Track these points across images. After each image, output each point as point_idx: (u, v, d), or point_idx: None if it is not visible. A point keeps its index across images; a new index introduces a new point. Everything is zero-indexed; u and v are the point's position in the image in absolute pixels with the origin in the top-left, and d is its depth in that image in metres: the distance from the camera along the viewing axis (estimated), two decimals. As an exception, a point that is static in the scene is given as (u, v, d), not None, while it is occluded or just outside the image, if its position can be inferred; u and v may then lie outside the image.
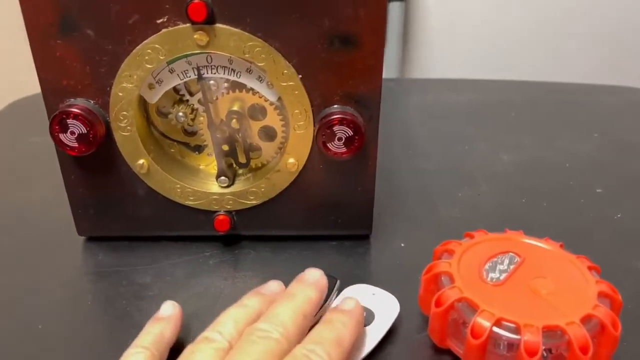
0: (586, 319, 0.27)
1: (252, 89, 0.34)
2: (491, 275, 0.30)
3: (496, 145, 0.51)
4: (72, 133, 0.32)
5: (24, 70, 1.02)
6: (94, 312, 0.33)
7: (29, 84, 1.04)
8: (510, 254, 0.32)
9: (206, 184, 0.37)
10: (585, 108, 0.58)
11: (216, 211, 0.37)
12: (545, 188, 0.45)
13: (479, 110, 0.57)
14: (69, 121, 0.32)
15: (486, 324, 0.27)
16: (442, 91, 0.60)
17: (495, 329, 0.27)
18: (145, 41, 0.31)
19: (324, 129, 0.33)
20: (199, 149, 0.38)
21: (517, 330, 0.27)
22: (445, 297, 0.29)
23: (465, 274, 0.30)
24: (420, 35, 1.00)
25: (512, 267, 0.31)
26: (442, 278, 0.30)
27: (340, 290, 0.33)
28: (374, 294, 0.33)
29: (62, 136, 0.33)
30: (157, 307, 0.31)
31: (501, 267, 0.31)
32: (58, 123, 0.32)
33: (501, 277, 0.30)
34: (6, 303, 0.34)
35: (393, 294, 0.33)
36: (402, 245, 0.38)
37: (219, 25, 0.31)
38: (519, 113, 0.56)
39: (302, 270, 0.32)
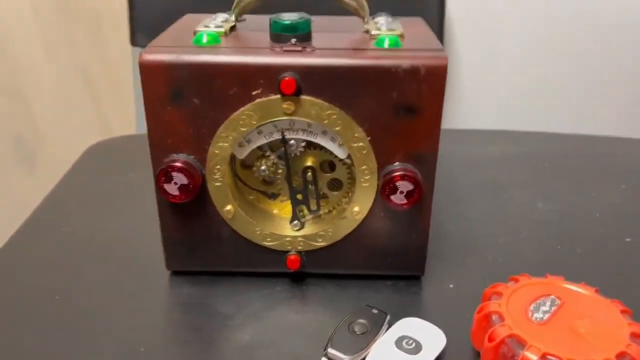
0: (620, 356, 0.31)
1: (326, 148, 0.40)
2: (536, 315, 0.35)
3: (532, 194, 0.55)
4: (175, 183, 0.38)
5: (94, 119, 1.10)
6: (187, 338, 0.38)
7: (101, 130, 1.12)
8: (552, 296, 0.36)
9: (280, 227, 0.42)
10: (614, 160, 0.62)
11: (288, 251, 0.42)
12: (578, 236, 0.49)
13: (514, 160, 0.62)
14: (174, 173, 0.38)
15: (533, 357, 0.31)
16: (479, 142, 0.66)
17: None
18: (242, 109, 0.37)
19: (388, 184, 0.38)
20: (274, 196, 0.43)
21: None
22: (496, 333, 0.33)
23: (513, 314, 0.35)
24: (454, 88, 1.06)
25: (553, 308, 0.35)
26: (493, 317, 0.35)
27: (390, 324, 0.38)
28: (422, 327, 0.38)
29: (166, 186, 0.39)
30: (242, 335, 0.36)
31: (544, 308, 0.35)
32: (164, 175, 0.38)
33: (545, 317, 0.34)
34: (110, 326, 0.39)
35: (442, 329, 0.37)
36: (451, 286, 0.43)
37: (304, 97, 0.37)
38: (552, 164, 0.61)
39: (363, 305, 0.37)
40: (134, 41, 0.89)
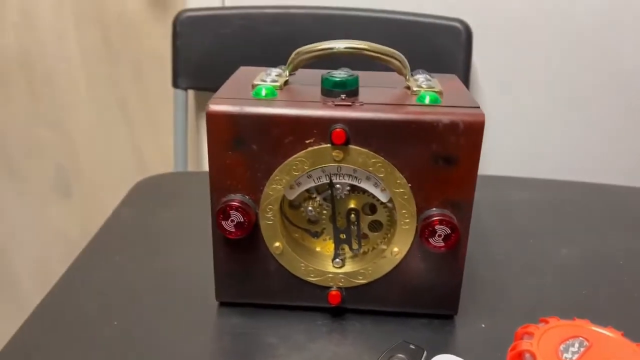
0: None
1: (369, 192, 0.44)
2: (565, 355, 0.37)
3: (556, 240, 0.58)
4: (232, 221, 0.42)
5: (130, 155, 1.16)
6: (236, 365, 0.41)
7: (137, 166, 1.18)
8: (580, 338, 0.39)
9: (323, 264, 0.46)
10: (633, 209, 0.65)
11: (330, 287, 0.45)
12: (602, 281, 0.52)
13: (539, 207, 0.65)
14: (231, 212, 0.42)
15: None
16: (504, 188, 0.69)
17: None
18: (295, 155, 0.41)
19: (427, 227, 0.42)
20: (317, 234, 0.47)
21: None
22: None
23: (544, 353, 0.37)
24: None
25: (582, 349, 0.38)
26: (526, 355, 0.37)
27: (428, 360, 0.41)
28: (458, 364, 0.40)
29: (224, 223, 0.42)
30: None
31: (573, 349, 0.38)
32: (222, 212, 0.42)
33: (574, 358, 0.37)
34: (161, 353, 0.42)
35: (477, 366, 0.40)
36: (483, 325, 0.46)
37: (352, 147, 0.41)
38: (574, 211, 0.64)
39: (397, 341, 0.40)
40: (175, 83, 0.95)
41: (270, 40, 0.90)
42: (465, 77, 0.90)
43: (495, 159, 1.10)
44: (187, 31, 0.94)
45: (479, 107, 0.41)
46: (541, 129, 1.09)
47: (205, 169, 0.54)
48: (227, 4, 0.99)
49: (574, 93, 1.06)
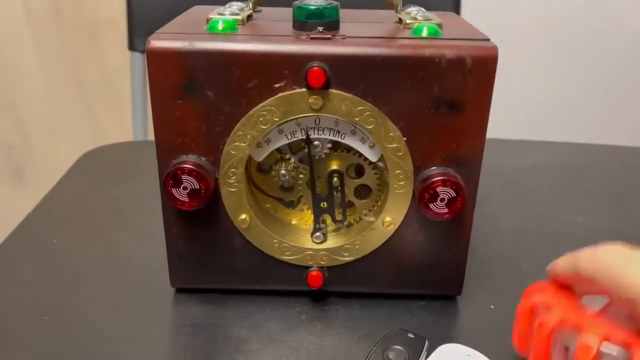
0: None
1: (355, 149, 0.35)
2: (587, 306, 0.30)
3: (569, 208, 0.51)
4: (185, 188, 0.34)
5: (87, 127, 1.06)
6: (195, 365, 0.33)
7: (95, 139, 1.08)
8: (603, 296, 0.31)
9: (301, 239, 0.38)
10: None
11: (309, 266, 0.37)
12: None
13: (546, 172, 0.58)
14: (183, 177, 0.33)
15: (593, 343, 0.27)
16: (507, 151, 0.62)
17: (603, 346, 0.27)
18: (262, 104, 0.33)
19: (426, 190, 0.34)
20: (292, 204, 0.39)
21: (626, 345, 0.26)
22: (546, 321, 0.29)
23: (562, 304, 0.30)
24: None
25: (604, 303, 0.30)
26: (541, 310, 0.30)
27: (429, 351, 0.33)
28: (469, 355, 0.33)
29: (174, 191, 0.34)
30: (261, 363, 0.31)
31: (595, 303, 0.30)
32: (172, 178, 0.34)
33: (597, 309, 0.30)
34: (105, 353, 0.34)
35: (485, 355, 0.33)
36: (492, 307, 0.38)
37: (332, 91, 0.32)
38: (590, 176, 0.57)
39: (392, 329, 0.33)
40: (132, 46, 0.85)
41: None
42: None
43: (496, 120, 1.03)
44: (143, -13, 0.83)
45: (489, 40, 0.33)
46: (539, 86, 1.01)
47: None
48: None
49: (574, 45, 0.99)
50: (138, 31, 0.84)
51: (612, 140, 0.67)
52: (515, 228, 0.48)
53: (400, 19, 0.37)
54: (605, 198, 0.53)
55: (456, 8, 0.80)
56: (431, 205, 0.34)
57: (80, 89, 1.07)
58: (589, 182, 0.56)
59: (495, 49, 0.32)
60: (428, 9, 0.39)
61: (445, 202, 0.34)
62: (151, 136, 0.95)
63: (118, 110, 1.06)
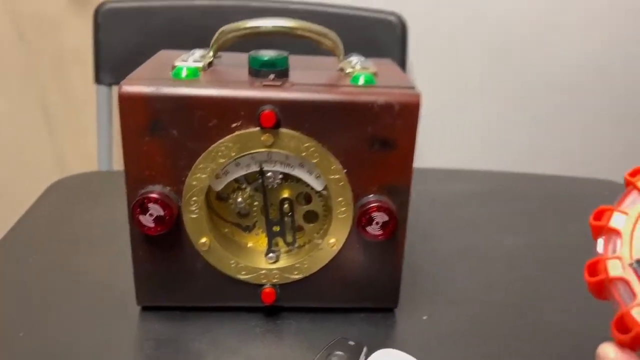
0: None
1: (303, 180, 0.41)
2: None
3: (498, 230, 0.57)
4: (151, 215, 0.38)
5: (50, 157, 1.08)
6: (159, 374, 0.37)
7: (59, 169, 1.09)
8: None
9: (256, 260, 0.42)
10: (567, 195, 0.66)
11: (263, 284, 0.42)
12: (547, 266, 0.51)
13: (478, 198, 0.64)
14: (150, 205, 0.38)
15: None
16: (439, 181, 0.68)
17: None
18: (220, 140, 0.38)
19: (364, 215, 0.39)
20: (248, 228, 0.43)
21: None
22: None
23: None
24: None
25: None
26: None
27: (367, 355, 0.38)
28: (398, 358, 0.38)
29: (141, 217, 0.38)
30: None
31: None
32: (139, 206, 0.38)
33: None
34: (77, 366, 0.37)
35: (417, 359, 0.38)
36: (424, 317, 0.44)
37: (282, 130, 0.38)
38: (515, 201, 0.64)
39: (339, 337, 0.38)
40: (98, 79, 0.88)
41: (199, 34, 0.86)
42: (401, 67, 0.89)
43: (433, 152, 1.10)
44: (109, 24, 0.88)
45: (414, 88, 0.39)
46: (476, 122, 1.10)
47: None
48: (154, -5, 0.94)
49: (508, 86, 1.08)
50: (104, 66, 0.88)
51: (534, 169, 0.75)
52: (449, 247, 0.53)
53: (341, 68, 0.43)
54: (528, 219, 0.59)
55: (402, 51, 0.88)
56: (368, 228, 0.39)
57: (44, 118, 1.10)
58: (514, 206, 0.63)
59: (418, 96, 0.38)
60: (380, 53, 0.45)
61: (380, 225, 0.39)
62: (116, 166, 0.98)
63: (83, 143, 1.09)
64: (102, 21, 0.87)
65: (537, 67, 1.08)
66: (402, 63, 0.89)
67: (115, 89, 0.97)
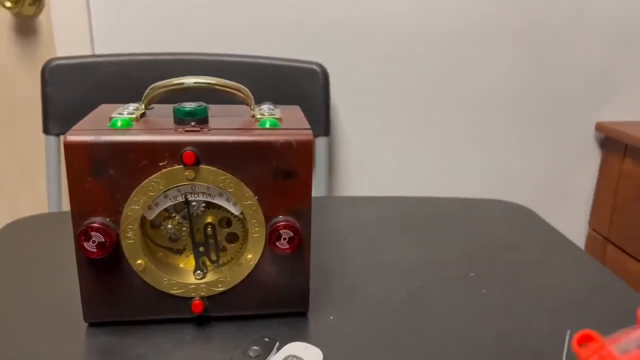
0: None
1: (223, 207, 0.49)
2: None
3: (401, 246, 0.67)
4: (94, 241, 0.46)
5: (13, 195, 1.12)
6: (103, 376, 0.44)
7: (10, 214, 1.13)
8: None
9: (186, 277, 0.50)
10: (456, 216, 0.76)
11: (193, 297, 0.50)
12: (433, 276, 0.61)
13: (386, 220, 0.74)
14: (92, 233, 0.45)
15: None
16: (359, 206, 0.78)
17: None
18: (151, 177, 0.46)
19: (273, 232, 0.48)
20: (179, 251, 0.51)
21: None
22: None
23: None
24: (342, 161, 1.20)
25: None
26: None
27: (279, 349, 0.46)
28: (304, 348, 0.46)
29: (85, 244, 0.45)
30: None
31: None
32: (84, 234, 0.45)
33: None
34: (31, 374, 0.44)
35: (321, 349, 0.46)
36: (331, 317, 0.52)
37: (202, 166, 0.46)
38: (418, 221, 0.74)
39: (257, 336, 0.45)
40: (46, 130, 0.95)
41: (140, 85, 0.94)
42: (326, 110, 1.00)
43: (352, 182, 1.21)
44: (56, 79, 0.95)
45: (309, 129, 0.49)
46: (391, 153, 1.22)
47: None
48: (98, 51, 1.02)
49: (420, 121, 1.21)
50: (52, 117, 0.95)
51: (433, 193, 0.86)
52: (358, 260, 0.63)
53: (253, 115, 0.52)
54: (429, 236, 0.70)
55: (326, 94, 0.99)
56: (277, 244, 0.48)
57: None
58: (414, 224, 0.73)
59: (310, 135, 0.48)
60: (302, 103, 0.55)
61: (287, 240, 0.48)
62: (65, 207, 1.04)
63: (33, 190, 1.14)
64: (50, 76, 0.94)
65: (444, 105, 1.22)
66: (326, 103, 1.00)
67: (62, 138, 1.03)
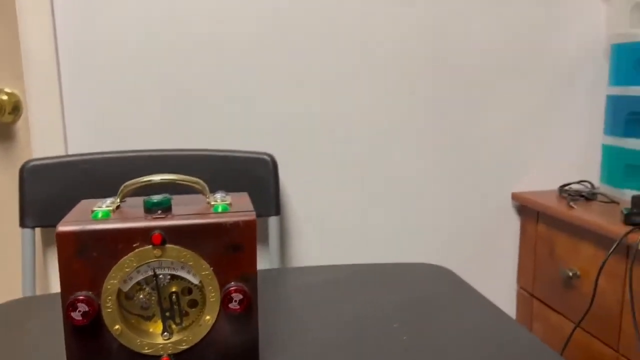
0: None
1: (185, 278, 0.61)
2: None
3: (340, 305, 0.79)
4: (79, 311, 0.56)
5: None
6: None
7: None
8: None
9: (155, 338, 0.60)
10: (395, 278, 0.89)
11: (161, 355, 0.60)
12: (370, 329, 0.73)
13: (332, 283, 0.86)
14: (78, 304, 0.56)
15: None
16: (306, 275, 0.90)
17: None
18: (126, 256, 0.58)
19: (226, 296, 0.60)
20: (149, 317, 0.62)
21: None
22: None
23: None
24: (293, 237, 1.33)
25: None
26: None
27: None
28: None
29: (72, 313, 0.56)
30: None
31: None
32: (71, 306, 0.56)
33: None
34: None
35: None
36: (278, 366, 0.63)
37: (168, 245, 0.59)
38: (356, 284, 0.87)
39: None
40: (23, 224, 1.05)
41: (110, 180, 1.07)
42: (276, 193, 1.14)
43: (302, 254, 1.34)
44: (33, 178, 1.07)
45: (253, 211, 0.62)
46: (335, 226, 1.36)
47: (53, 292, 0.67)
48: (71, 152, 1.15)
49: (357, 196, 1.36)
50: (28, 212, 1.05)
51: (374, 258, 0.99)
52: (304, 319, 0.74)
53: (208, 202, 0.65)
54: (364, 296, 0.82)
55: (275, 180, 1.13)
56: (230, 305, 0.60)
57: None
58: (353, 288, 0.85)
59: (254, 215, 0.61)
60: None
61: (238, 302, 0.60)
62: (38, 292, 1.12)
63: (9, 280, 1.21)
64: (27, 176, 1.06)
65: (378, 184, 1.38)
66: (275, 187, 1.14)
67: (37, 230, 1.13)
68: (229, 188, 1.16)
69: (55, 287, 1.21)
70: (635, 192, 1.21)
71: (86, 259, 0.57)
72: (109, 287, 0.58)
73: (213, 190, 1.13)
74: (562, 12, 1.38)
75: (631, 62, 1.32)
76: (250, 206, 0.65)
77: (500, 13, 1.36)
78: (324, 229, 1.35)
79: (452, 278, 0.90)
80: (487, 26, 1.36)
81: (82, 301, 0.56)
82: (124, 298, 0.61)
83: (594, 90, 1.44)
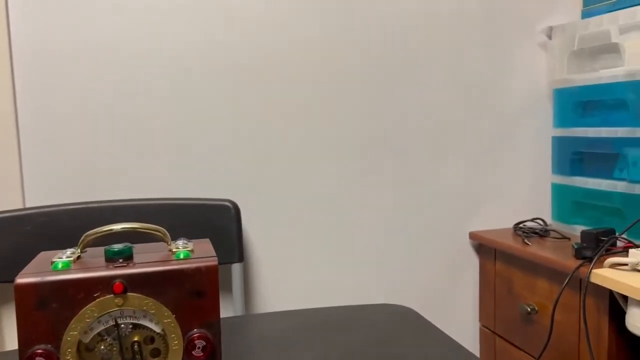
0: None
1: (147, 326, 0.61)
2: None
3: (302, 349, 0.79)
4: (37, 365, 0.55)
5: None
6: None
7: None
8: None
9: (117, 390, 0.59)
10: (356, 320, 0.91)
11: (123, 408, 0.59)
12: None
13: (294, 329, 0.87)
14: (37, 358, 0.55)
15: None
16: (270, 320, 0.90)
17: None
18: (87, 306, 0.57)
19: (189, 343, 0.60)
20: (110, 370, 0.61)
21: None
22: None
23: None
24: (257, 283, 1.33)
25: None
26: None
27: None
28: None
29: (30, 368, 0.55)
30: None
31: None
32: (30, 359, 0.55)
33: None
34: None
35: None
36: (243, 413, 0.63)
37: (129, 294, 0.59)
38: (318, 327, 0.87)
39: None
40: (-23, 279, 1.02)
41: (70, 232, 1.05)
42: (239, 240, 1.14)
43: (265, 300, 1.33)
44: (-12, 231, 1.04)
45: (215, 257, 0.63)
46: (299, 271, 1.37)
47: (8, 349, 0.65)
48: (28, 204, 1.13)
49: (320, 242, 1.38)
50: (-18, 267, 1.03)
51: (338, 300, 1.01)
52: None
53: (170, 249, 0.66)
54: (326, 338, 0.83)
55: (238, 226, 1.14)
56: (193, 352, 0.60)
57: None
58: (316, 331, 0.86)
59: (216, 261, 0.62)
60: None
61: (201, 349, 0.60)
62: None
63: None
64: (-19, 230, 1.03)
65: (343, 229, 1.40)
66: (238, 234, 1.15)
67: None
68: (191, 235, 1.16)
69: (11, 344, 1.17)
70: (584, 227, 1.27)
71: (46, 311, 0.56)
72: (69, 338, 0.57)
73: (175, 238, 1.13)
74: (509, 61, 1.48)
75: (570, 105, 1.41)
76: (212, 252, 0.66)
77: (452, 65, 1.44)
78: (288, 273, 1.36)
79: (415, 318, 0.92)
80: (440, 77, 1.43)
81: (40, 355, 0.55)
82: (84, 350, 0.60)
83: (540, 132, 1.52)
